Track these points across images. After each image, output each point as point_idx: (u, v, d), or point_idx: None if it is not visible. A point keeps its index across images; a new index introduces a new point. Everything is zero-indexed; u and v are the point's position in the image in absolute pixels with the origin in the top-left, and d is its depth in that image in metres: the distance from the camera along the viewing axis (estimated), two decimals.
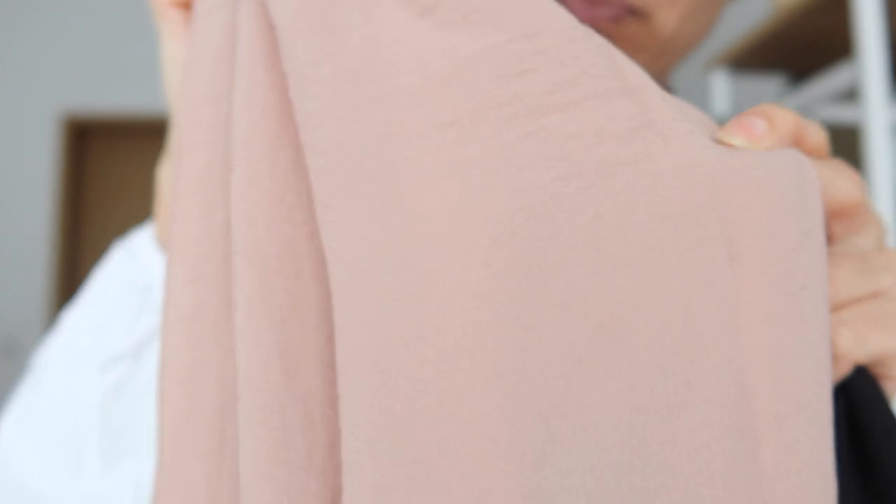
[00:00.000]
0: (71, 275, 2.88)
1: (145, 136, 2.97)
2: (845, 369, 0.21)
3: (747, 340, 0.19)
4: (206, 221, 0.24)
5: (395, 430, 0.18)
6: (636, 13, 0.30)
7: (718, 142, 0.22)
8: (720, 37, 1.43)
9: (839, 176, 0.22)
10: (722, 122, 0.23)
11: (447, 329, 0.19)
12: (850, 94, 1.21)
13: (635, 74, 0.21)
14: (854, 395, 0.22)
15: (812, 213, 0.20)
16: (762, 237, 0.19)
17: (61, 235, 2.88)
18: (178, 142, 0.25)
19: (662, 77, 0.35)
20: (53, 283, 2.84)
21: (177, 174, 0.25)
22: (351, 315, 0.19)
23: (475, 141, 0.20)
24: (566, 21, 0.21)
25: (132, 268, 0.37)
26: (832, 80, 1.21)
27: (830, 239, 0.23)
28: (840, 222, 0.22)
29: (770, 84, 1.69)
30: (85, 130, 3.00)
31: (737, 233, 0.19)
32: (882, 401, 0.22)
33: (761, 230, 0.19)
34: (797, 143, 0.22)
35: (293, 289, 0.22)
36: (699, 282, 0.19)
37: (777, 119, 0.22)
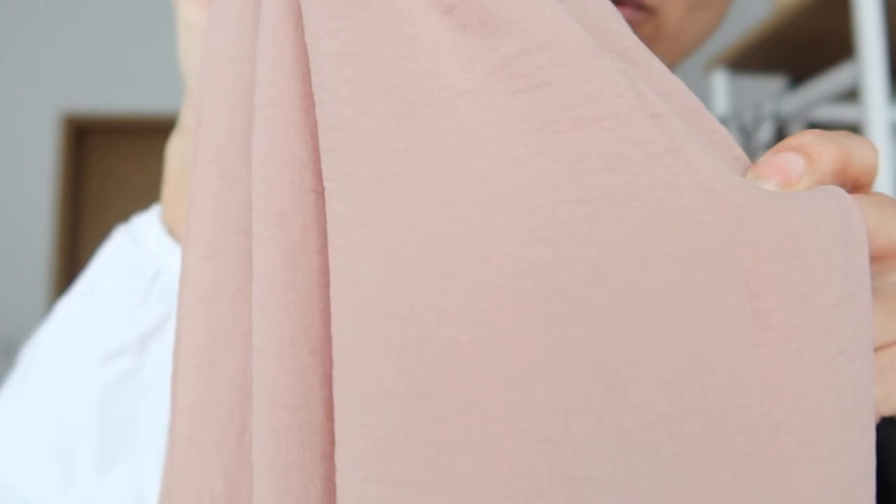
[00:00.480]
0: (71, 274, 2.88)
1: (145, 136, 2.97)
2: None
3: (771, 408, 0.17)
4: (226, 193, 0.23)
5: (380, 449, 0.17)
6: (644, 8, 0.30)
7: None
8: (720, 37, 1.44)
9: (886, 218, 0.19)
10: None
11: (427, 351, 0.17)
12: (850, 94, 1.21)
13: (660, 101, 0.19)
14: (880, 448, 0.20)
15: (857, 270, 0.18)
16: (795, 297, 0.17)
17: (61, 235, 2.88)
18: (198, 109, 0.24)
19: None
20: (53, 283, 2.84)
21: (196, 143, 0.23)
22: (338, 313, 0.18)
23: (482, 153, 0.18)
24: (586, 34, 0.19)
25: (136, 253, 0.34)
26: (832, 80, 1.22)
27: None
28: (878, 263, 0.20)
29: (770, 84, 1.69)
30: (85, 130, 3.00)
31: (764, 288, 0.17)
32: None
33: (794, 289, 0.17)
34: (841, 174, 0.19)
35: (318, 264, 0.20)
36: (715, 336, 0.17)
37: (816, 153, 0.19)
